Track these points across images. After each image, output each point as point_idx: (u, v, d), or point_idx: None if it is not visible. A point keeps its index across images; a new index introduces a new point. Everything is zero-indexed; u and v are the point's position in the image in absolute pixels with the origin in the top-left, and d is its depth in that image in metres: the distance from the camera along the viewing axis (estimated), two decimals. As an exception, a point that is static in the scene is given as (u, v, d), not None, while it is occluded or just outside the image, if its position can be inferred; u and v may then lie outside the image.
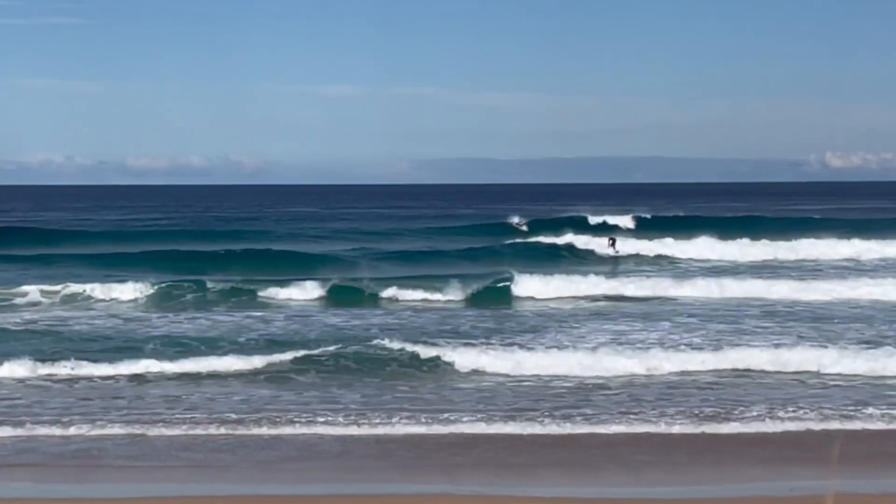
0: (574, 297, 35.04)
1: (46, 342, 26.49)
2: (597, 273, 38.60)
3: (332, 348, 24.49)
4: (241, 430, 18.32)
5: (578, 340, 26.27)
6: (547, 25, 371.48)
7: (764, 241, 49.36)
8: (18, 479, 15.95)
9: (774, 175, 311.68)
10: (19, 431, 18.29)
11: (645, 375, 22.57)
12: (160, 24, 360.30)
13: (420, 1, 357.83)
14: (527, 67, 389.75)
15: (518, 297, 35.44)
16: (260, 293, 35.34)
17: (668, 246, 49.32)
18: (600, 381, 22.03)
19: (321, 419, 18.95)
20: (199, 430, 18.37)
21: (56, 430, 18.32)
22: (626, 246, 50.27)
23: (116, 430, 18.37)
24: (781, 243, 49.00)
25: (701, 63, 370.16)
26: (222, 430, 18.32)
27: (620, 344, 25.60)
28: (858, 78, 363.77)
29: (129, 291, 35.21)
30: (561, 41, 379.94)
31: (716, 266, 44.94)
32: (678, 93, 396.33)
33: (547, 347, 25.19)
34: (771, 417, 18.88)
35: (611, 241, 51.57)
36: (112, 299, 34.65)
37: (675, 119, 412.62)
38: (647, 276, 38.86)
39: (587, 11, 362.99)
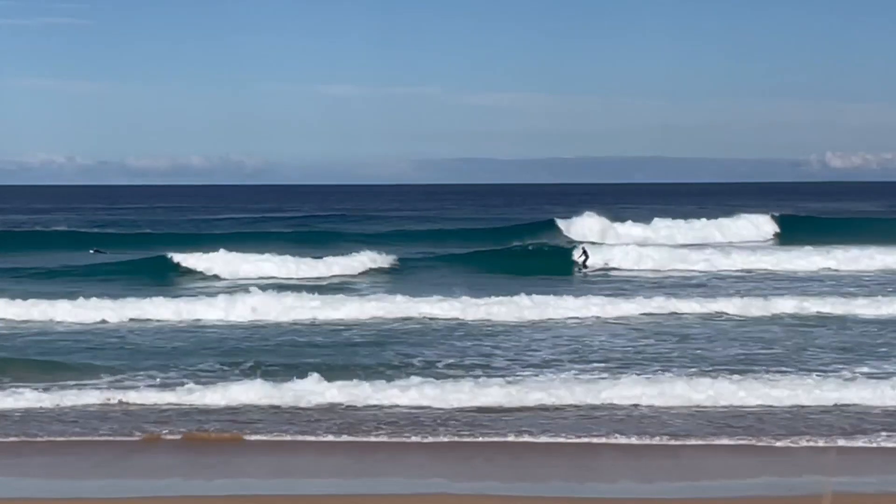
0: None
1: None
2: None
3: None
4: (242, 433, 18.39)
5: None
6: (547, 25, 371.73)
7: None
8: (20, 477, 16.08)
9: (774, 175, 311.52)
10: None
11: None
12: (160, 24, 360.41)
13: (420, 1, 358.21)
14: (527, 67, 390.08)
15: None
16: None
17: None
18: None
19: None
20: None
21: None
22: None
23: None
24: None
25: (701, 63, 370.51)
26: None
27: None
28: (858, 78, 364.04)
29: None
30: (561, 41, 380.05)
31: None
32: (678, 93, 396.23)
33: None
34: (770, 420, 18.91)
35: (582, 254, 45.78)
36: None
37: (675, 119, 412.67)
38: None
39: (587, 11, 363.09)
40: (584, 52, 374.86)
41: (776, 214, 60.89)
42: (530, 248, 48.76)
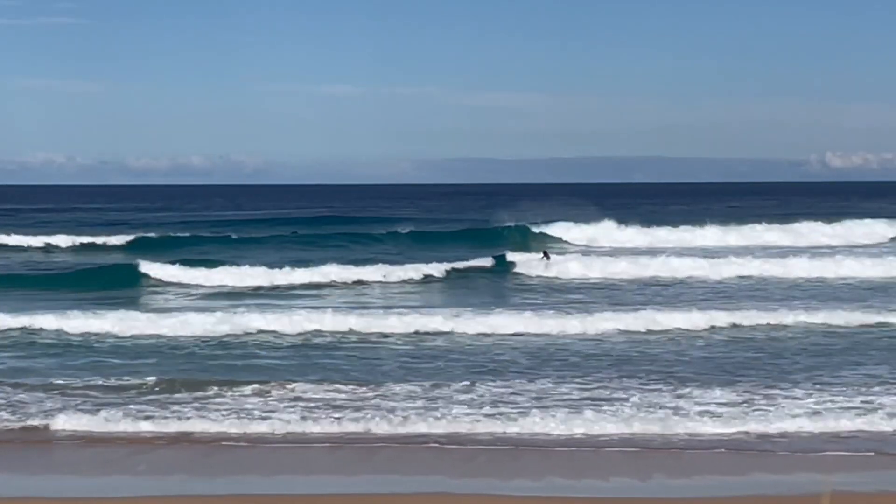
0: None
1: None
2: None
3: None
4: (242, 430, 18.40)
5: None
6: (547, 25, 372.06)
7: None
8: (20, 476, 16.13)
9: (774, 175, 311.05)
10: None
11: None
12: (160, 24, 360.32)
13: (420, 1, 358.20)
14: (527, 67, 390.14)
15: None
16: None
17: None
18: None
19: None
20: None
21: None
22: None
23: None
24: None
25: (701, 63, 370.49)
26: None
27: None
28: (858, 78, 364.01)
29: None
30: (561, 41, 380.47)
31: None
32: (678, 93, 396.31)
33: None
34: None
35: (543, 257, 43.23)
36: None
37: (675, 119, 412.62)
38: None
39: (587, 11, 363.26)
40: (584, 52, 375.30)
41: None
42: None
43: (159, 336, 27.51)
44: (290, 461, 16.68)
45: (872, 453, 16.69)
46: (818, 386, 20.87)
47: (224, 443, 17.68)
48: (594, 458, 16.69)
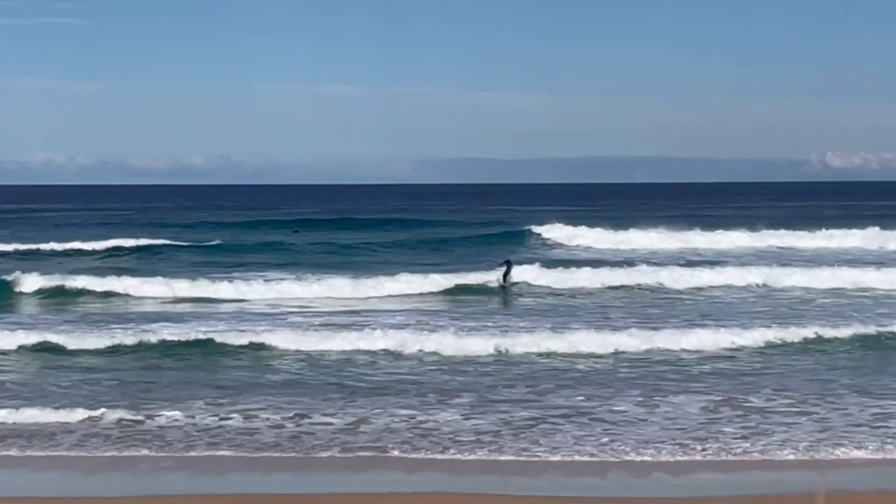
0: None
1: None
2: None
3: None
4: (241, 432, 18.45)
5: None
6: (547, 25, 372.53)
7: None
8: (20, 476, 16.18)
9: (774, 175, 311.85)
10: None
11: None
12: (160, 24, 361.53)
13: (420, 1, 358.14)
14: (527, 67, 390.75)
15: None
16: None
17: None
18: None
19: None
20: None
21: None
22: None
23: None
24: None
25: (701, 63, 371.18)
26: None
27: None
28: (858, 78, 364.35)
29: None
30: (561, 41, 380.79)
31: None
32: (678, 93, 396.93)
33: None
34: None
35: (504, 264, 39.91)
36: None
37: (675, 119, 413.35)
38: None
39: (588, 11, 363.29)
40: (584, 52, 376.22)
41: None
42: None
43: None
44: (289, 461, 16.72)
45: (866, 455, 16.81)
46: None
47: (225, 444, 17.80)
48: (592, 457, 16.73)
